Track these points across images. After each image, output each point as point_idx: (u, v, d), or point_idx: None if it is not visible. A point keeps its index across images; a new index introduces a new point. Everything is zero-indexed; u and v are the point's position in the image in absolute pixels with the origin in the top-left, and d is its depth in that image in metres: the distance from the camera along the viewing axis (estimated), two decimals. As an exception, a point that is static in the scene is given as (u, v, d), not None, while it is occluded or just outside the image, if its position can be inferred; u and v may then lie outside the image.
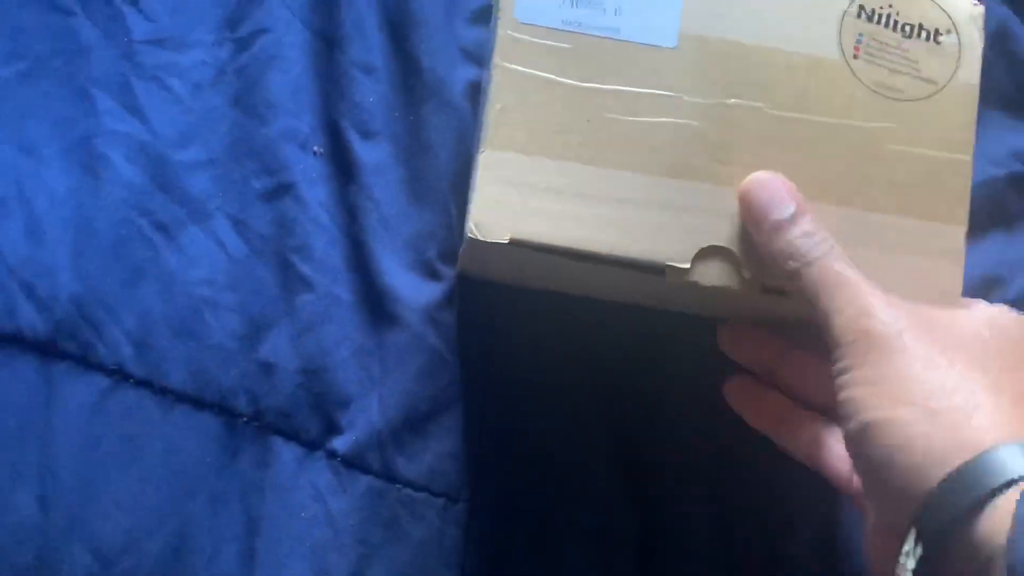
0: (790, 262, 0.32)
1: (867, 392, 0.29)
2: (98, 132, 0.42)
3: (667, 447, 0.42)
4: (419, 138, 0.42)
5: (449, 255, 0.42)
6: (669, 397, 0.42)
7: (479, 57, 0.43)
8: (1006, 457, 0.26)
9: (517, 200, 0.32)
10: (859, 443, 0.29)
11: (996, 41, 0.46)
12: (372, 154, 0.42)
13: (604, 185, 0.33)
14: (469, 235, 0.32)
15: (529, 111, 0.33)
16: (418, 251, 0.42)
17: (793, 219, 0.32)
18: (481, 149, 0.33)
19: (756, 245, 0.33)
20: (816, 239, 0.32)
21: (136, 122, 0.42)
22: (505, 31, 0.33)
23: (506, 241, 0.32)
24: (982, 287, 0.44)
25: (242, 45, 0.43)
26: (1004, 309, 0.33)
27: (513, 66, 0.33)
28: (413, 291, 0.41)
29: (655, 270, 0.33)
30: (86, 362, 0.40)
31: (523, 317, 0.42)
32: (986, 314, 0.32)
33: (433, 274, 0.42)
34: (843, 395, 0.30)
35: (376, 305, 0.41)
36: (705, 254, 0.33)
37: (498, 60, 0.33)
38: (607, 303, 0.41)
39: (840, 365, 0.30)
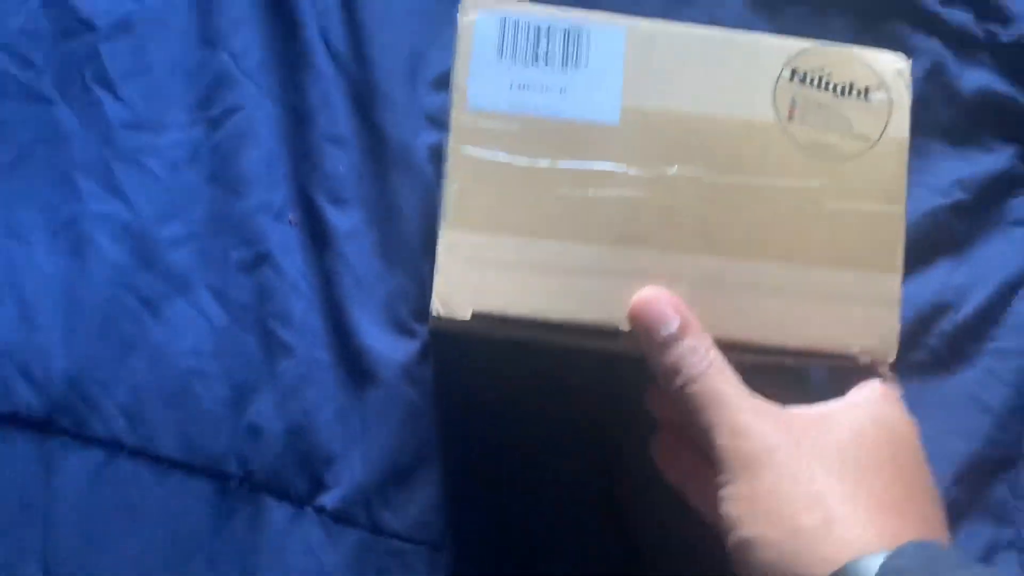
0: (676, 379, 0.34)
1: (741, 509, 0.31)
2: (83, 215, 0.44)
3: (652, 489, 0.43)
4: (388, 203, 0.45)
5: (422, 312, 0.44)
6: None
7: (442, 122, 0.45)
8: (856, 574, 0.29)
9: (477, 276, 0.35)
10: (737, 556, 0.32)
11: (933, 75, 0.48)
12: (344, 220, 0.44)
13: (558, 257, 0.35)
14: (434, 313, 0.34)
15: (484, 191, 0.35)
16: (393, 310, 0.44)
17: (677, 334, 0.34)
18: (441, 230, 0.35)
19: (651, 365, 0.35)
20: (699, 355, 0.34)
21: (118, 203, 0.44)
22: (459, 117, 0.35)
23: (468, 317, 0.34)
24: (932, 314, 0.46)
25: (215, 124, 0.45)
26: (873, 405, 0.35)
27: (468, 150, 0.35)
28: (389, 349, 0.43)
29: (610, 333, 0.35)
30: (82, 436, 0.42)
31: (501, 364, 0.43)
32: (850, 417, 0.34)
33: (408, 331, 0.44)
34: (722, 509, 0.32)
35: (355, 364, 0.43)
36: None
37: (454, 145, 0.35)
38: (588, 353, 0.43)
39: (719, 479, 0.32)
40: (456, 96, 0.36)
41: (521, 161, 0.35)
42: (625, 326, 0.35)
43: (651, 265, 0.35)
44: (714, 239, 0.36)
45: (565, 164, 0.35)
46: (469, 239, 0.35)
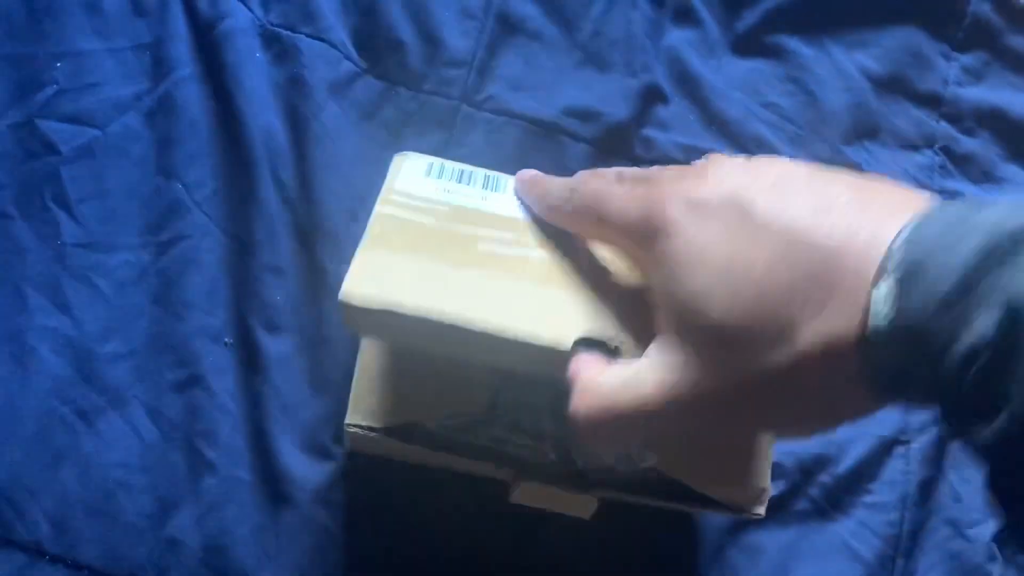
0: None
1: None
2: (29, 327, 0.46)
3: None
4: (320, 332, 0.48)
5: (342, 437, 0.47)
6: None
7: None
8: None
9: (390, 277, 0.34)
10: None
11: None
12: (277, 346, 0.47)
13: (468, 279, 0.35)
14: (340, 299, 0.33)
15: (406, 230, 0.36)
16: (314, 435, 0.47)
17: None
18: (358, 249, 0.35)
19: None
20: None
21: (64, 318, 0.47)
22: (387, 196, 0.38)
23: (373, 307, 0.33)
24: (813, 466, 0.50)
25: (163, 249, 0.48)
26: None
27: (393, 211, 0.37)
28: (307, 472, 0.46)
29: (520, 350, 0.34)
30: (6, 540, 0.44)
31: (413, 493, 0.46)
32: None
33: (327, 456, 0.47)
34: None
35: (273, 485, 0.46)
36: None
37: (379, 210, 0.37)
38: (496, 483, 0.44)
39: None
40: (384, 188, 0.38)
41: (444, 225, 0.37)
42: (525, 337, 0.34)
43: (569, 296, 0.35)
44: None
45: (483, 232, 0.37)
46: (385, 256, 0.35)
